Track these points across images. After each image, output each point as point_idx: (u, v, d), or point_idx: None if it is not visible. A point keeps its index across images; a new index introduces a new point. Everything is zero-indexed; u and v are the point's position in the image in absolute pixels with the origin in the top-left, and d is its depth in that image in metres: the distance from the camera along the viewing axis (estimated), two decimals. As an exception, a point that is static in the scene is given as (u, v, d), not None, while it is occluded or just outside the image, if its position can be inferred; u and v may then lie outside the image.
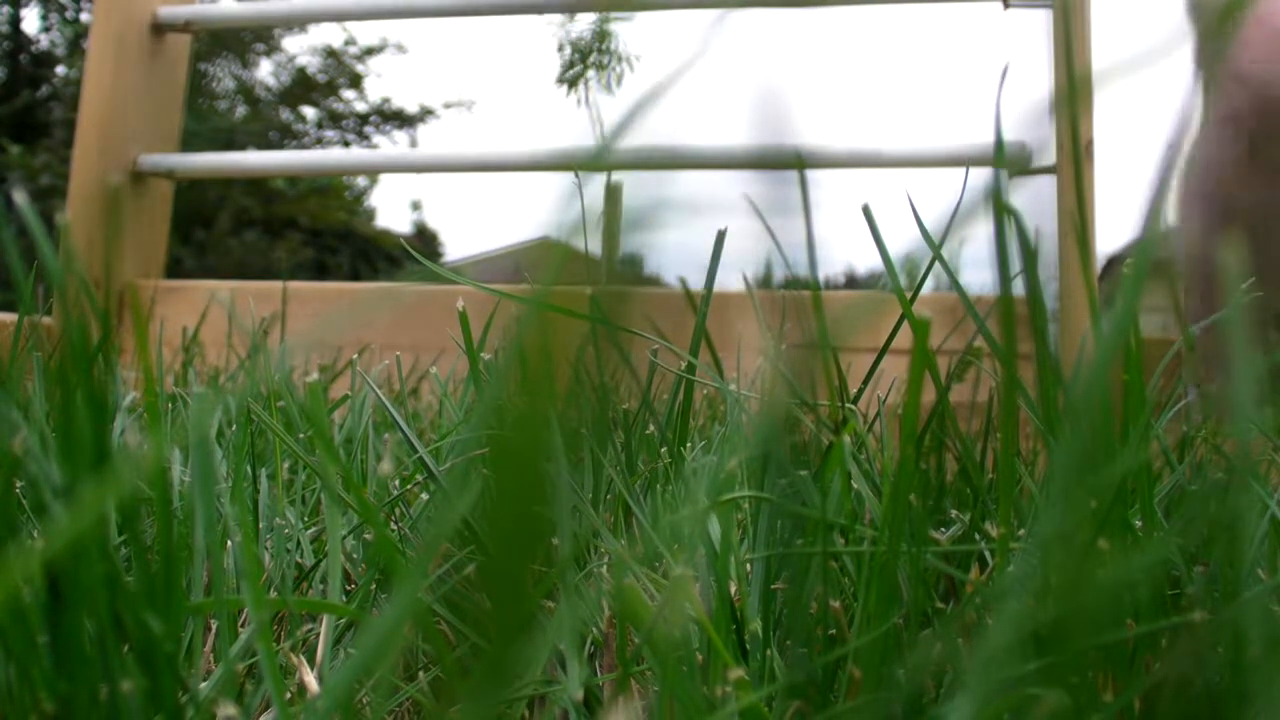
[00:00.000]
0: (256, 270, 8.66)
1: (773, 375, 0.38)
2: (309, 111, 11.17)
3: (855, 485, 0.39)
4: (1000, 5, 1.52)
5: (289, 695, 0.35)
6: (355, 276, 9.92)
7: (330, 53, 10.85)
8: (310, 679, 0.35)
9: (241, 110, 10.82)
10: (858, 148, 1.65)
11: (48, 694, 0.26)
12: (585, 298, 0.31)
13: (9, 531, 0.27)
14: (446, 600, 0.34)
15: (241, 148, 9.38)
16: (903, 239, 0.41)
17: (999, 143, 0.37)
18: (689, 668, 0.30)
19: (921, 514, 0.33)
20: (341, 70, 10.99)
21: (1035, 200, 0.30)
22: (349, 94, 11.14)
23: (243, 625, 0.44)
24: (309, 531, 0.53)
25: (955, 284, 0.41)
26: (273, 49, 10.81)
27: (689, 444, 0.54)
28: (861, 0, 2.21)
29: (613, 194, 0.22)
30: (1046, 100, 0.29)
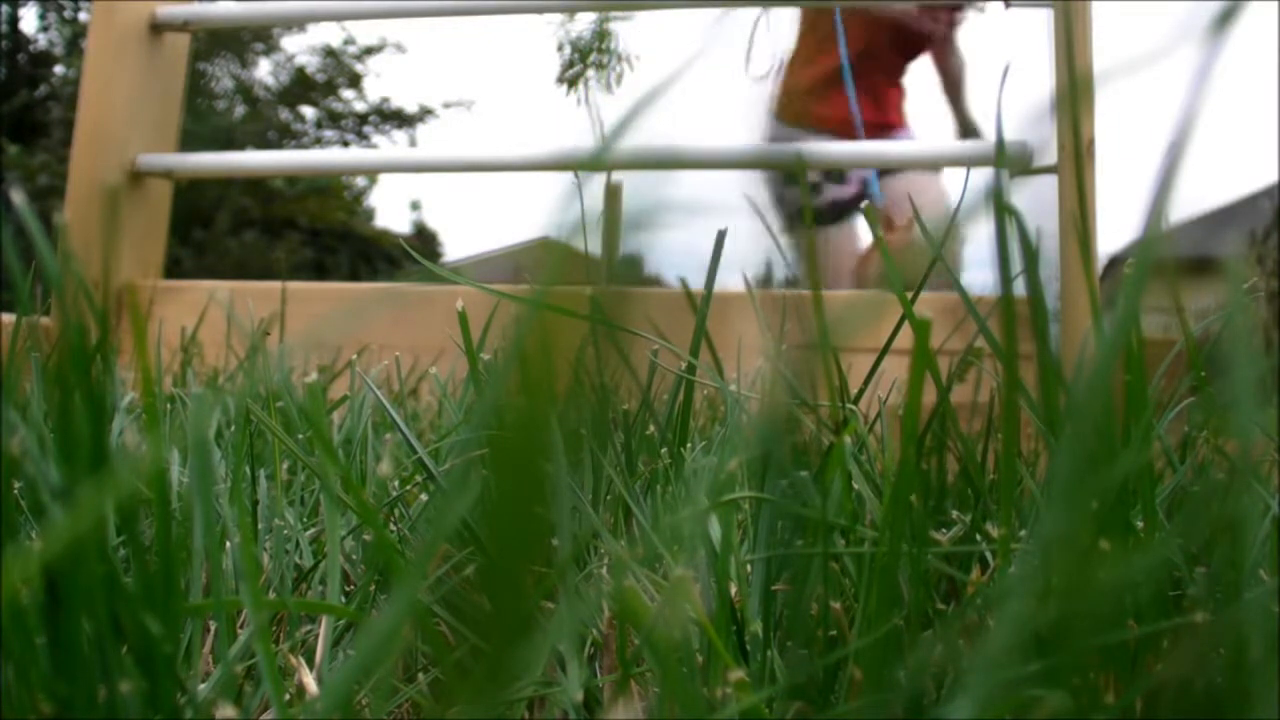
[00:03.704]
0: (255, 270, 8.65)
1: (773, 376, 0.38)
2: (308, 111, 11.17)
3: (856, 486, 0.39)
4: (1001, 5, 1.52)
5: (288, 696, 0.35)
6: (355, 277, 9.91)
7: (329, 52, 10.84)
8: (309, 680, 0.35)
9: (240, 110, 10.81)
10: (858, 148, 1.64)
11: (46, 695, 0.26)
12: (585, 298, 0.31)
13: (8, 533, 0.27)
14: (446, 601, 0.34)
15: (240, 147, 9.38)
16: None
17: (1000, 142, 0.37)
18: (689, 669, 0.30)
19: (922, 515, 0.33)
20: (341, 70, 10.98)
21: (1036, 200, 0.30)
22: (348, 94, 11.13)
23: (241, 626, 0.43)
24: (308, 532, 0.53)
25: (956, 284, 0.41)
26: (271, 49, 10.81)
27: (689, 444, 0.54)
28: (864, 0, 2.21)
29: (613, 194, 0.22)
30: (1047, 100, 0.29)
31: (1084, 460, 0.24)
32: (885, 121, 2.37)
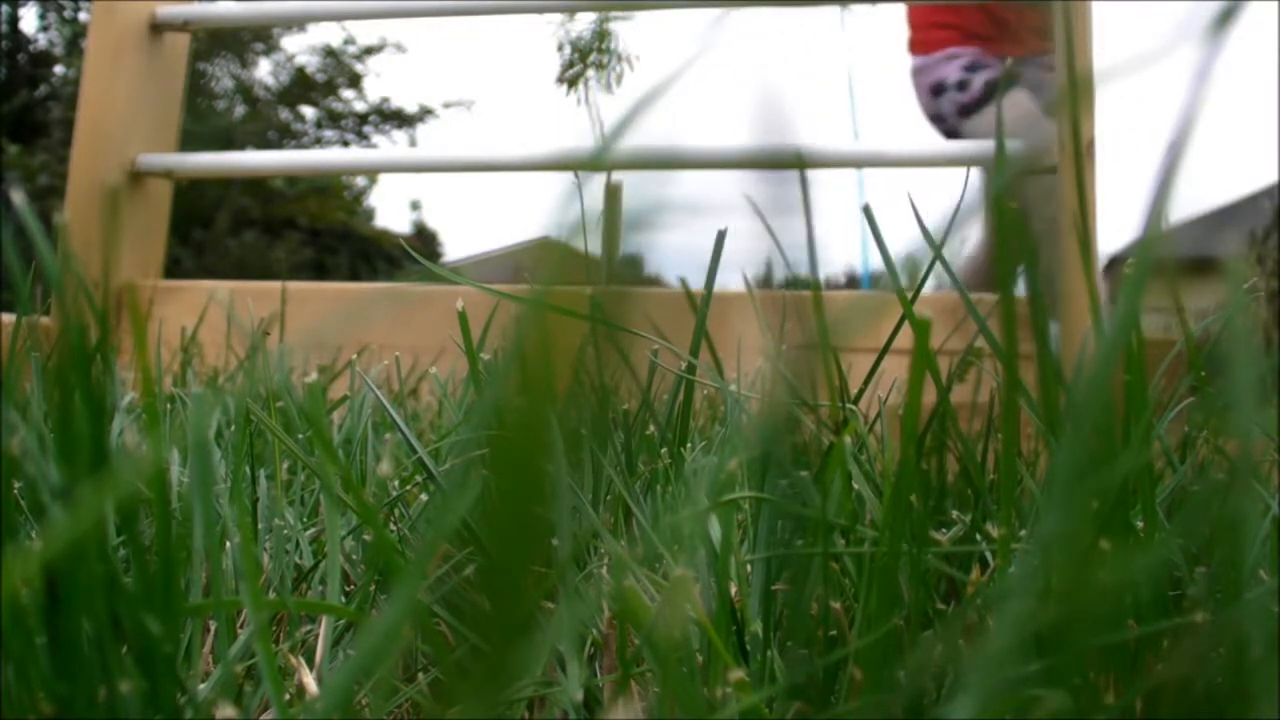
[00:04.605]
0: (255, 270, 8.64)
1: (773, 376, 0.38)
2: (308, 111, 11.16)
3: (856, 486, 0.39)
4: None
5: (288, 696, 0.35)
6: (355, 276, 9.90)
7: (329, 52, 10.83)
8: (309, 680, 0.35)
9: (240, 110, 10.80)
10: (858, 148, 1.65)
11: (46, 695, 0.26)
12: (585, 298, 0.31)
13: (8, 533, 0.27)
14: (446, 601, 0.34)
15: (240, 147, 9.36)
16: (903, 239, 0.41)
17: (1000, 142, 0.37)
18: (689, 669, 0.30)
19: (922, 515, 0.33)
20: (341, 70, 10.97)
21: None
22: (348, 93, 11.13)
23: (241, 626, 0.43)
24: (308, 532, 0.53)
25: (956, 284, 0.41)
26: (271, 48, 10.80)
27: (689, 444, 0.54)
28: (863, 0, 2.20)
29: (613, 194, 0.22)
30: (1048, 100, 0.29)
31: (1084, 460, 0.24)
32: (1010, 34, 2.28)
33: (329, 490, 0.39)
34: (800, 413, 0.35)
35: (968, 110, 2.20)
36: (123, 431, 0.61)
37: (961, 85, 2.19)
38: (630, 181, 0.20)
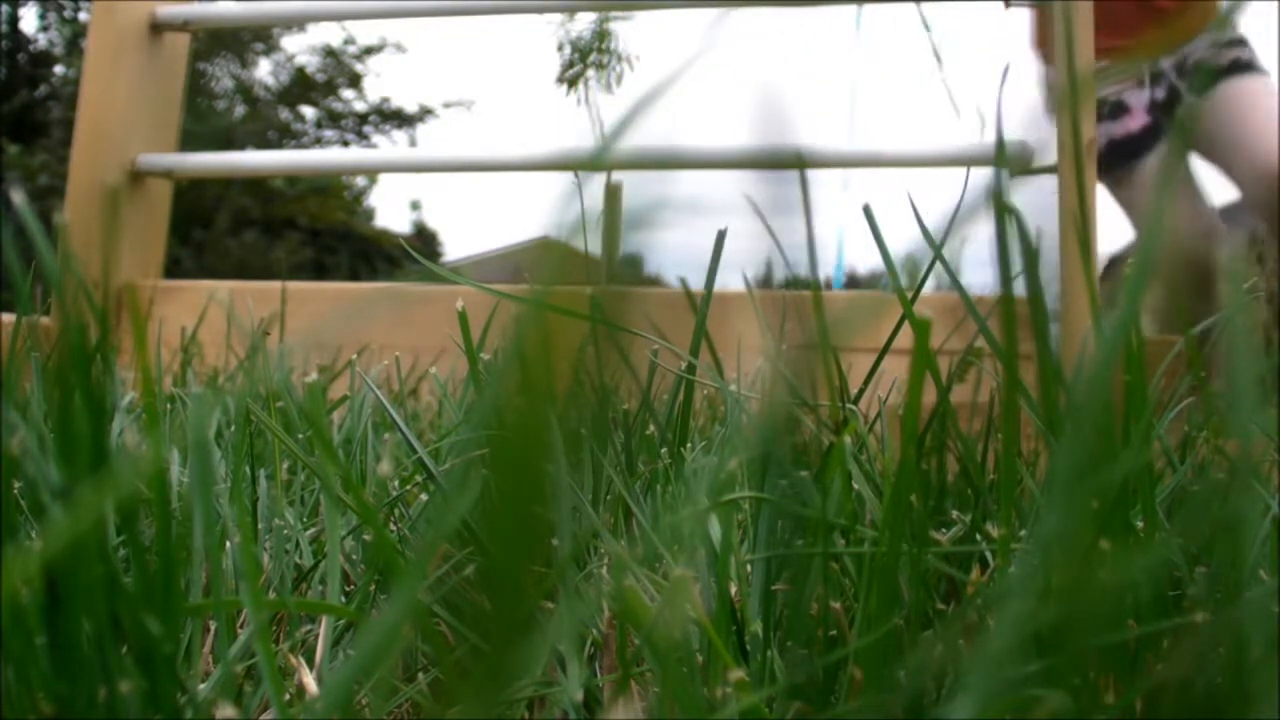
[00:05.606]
0: (255, 270, 8.64)
1: (773, 376, 0.38)
2: (308, 111, 11.16)
3: (856, 486, 0.39)
4: (1001, 5, 1.52)
5: (288, 696, 0.35)
6: (354, 276, 9.90)
7: (329, 52, 10.84)
8: (309, 680, 0.35)
9: (240, 110, 10.81)
10: (858, 148, 1.65)
11: (46, 695, 0.26)
12: (585, 298, 0.31)
13: (8, 533, 0.27)
14: (446, 601, 0.34)
15: (240, 147, 9.37)
16: (903, 239, 0.41)
17: (1000, 142, 0.37)
18: (689, 669, 0.30)
19: (922, 515, 0.33)
20: (341, 70, 10.98)
21: (1036, 200, 0.30)
22: (348, 93, 11.13)
23: (241, 626, 0.43)
24: (308, 532, 0.53)
25: (956, 284, 0.41)
26: (271, 48, 10.80)
27: (689, 444, 0.54)
28: None
29: (613, 194, 0.22)
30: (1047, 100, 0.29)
31: (1084, 460, 0.24)
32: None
33: (329, 490, 0.39)
34: (800, 413, 0.35)
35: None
36: (123, 431, 0.61)
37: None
38: (630, 181, 0.20)
